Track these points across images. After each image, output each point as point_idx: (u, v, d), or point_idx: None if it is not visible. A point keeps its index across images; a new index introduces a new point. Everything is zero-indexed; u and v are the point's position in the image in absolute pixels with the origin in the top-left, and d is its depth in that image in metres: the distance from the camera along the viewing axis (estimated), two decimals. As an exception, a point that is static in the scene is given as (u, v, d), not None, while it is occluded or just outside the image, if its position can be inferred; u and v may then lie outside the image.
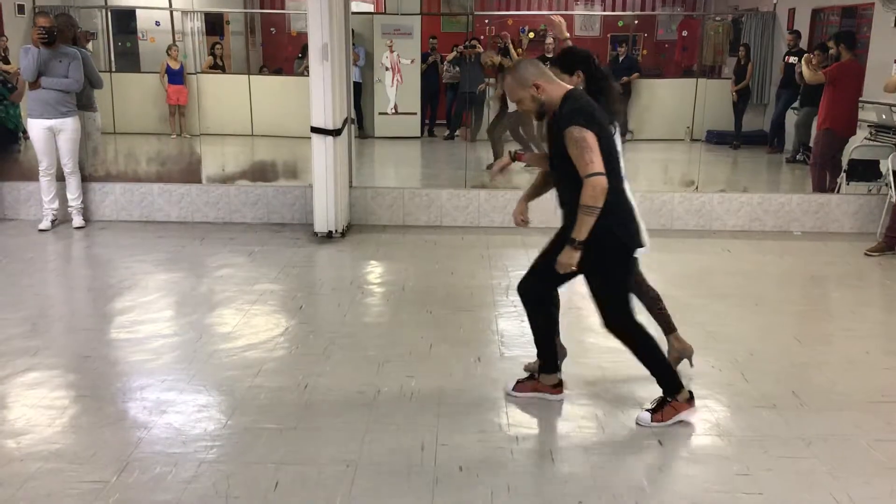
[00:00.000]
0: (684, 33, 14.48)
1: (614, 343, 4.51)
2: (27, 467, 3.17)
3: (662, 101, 12.38)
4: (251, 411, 3.68)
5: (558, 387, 3.81)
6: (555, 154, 3.43)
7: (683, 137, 11.39)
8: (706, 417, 3.68)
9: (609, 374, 4.12)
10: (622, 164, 3.52)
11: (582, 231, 3.27)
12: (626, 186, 3.54)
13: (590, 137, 3.23)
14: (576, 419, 3.65)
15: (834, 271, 6.28)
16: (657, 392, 3.65)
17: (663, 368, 3.59)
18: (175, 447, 3.35)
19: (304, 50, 12.54)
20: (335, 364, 4.24)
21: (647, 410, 3.60)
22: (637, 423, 3.58)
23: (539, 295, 3.72)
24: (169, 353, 4.36)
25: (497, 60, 10.10)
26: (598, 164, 3.22)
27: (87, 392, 3.90)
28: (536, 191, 3.80)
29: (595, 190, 3.21)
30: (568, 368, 4.16)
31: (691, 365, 4.13)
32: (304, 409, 3.72)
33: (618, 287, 3.52)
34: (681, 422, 3.56)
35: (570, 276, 3.49)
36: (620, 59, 12.48)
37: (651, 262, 6.36)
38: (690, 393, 3.60)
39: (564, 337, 4.71)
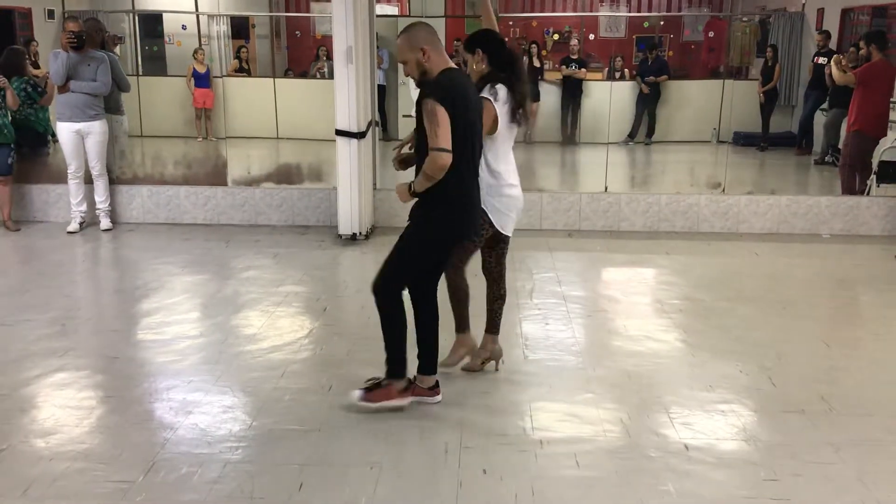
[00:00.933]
0: (711, 34, 14.35)
1: (639, 347, 4.51)
2: (55, 467, 3.21)
3: (689, 102, 12.28)
4: (276, 413, 3.70)
5: (435, 388, 3.79)
6: (417, 123, 3.47)
7: (710, 139, 11.29)
8: (733, 422, 3.64)
9: (634, 378, 4.08)
10: (489, 150, 3.72)
11: (419, 185, 3.43)
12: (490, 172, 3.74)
13: (440, 113, 3.27)
14: (600, 423, 3.62)
15: (863, 274, 6.19)
16: (687, 393, 3.61)
17: (395, 352, 3.64)
18: (201, 448, 3.37)
19: (319, 52, 12.63)
20: (359, 366, 4.24)
21: (362, 389, 3.69)
22: (351, 400, 3.66)
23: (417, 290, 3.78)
24: (195, 354, 4.39)
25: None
26: (443, 139, 3.28)
27: (114, 393, 3.93)
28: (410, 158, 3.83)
29: (435, 164, 3.30)
30: (593, 372, 4.14)
31: (496, 368, 4.15)
32: (328, 410, 3.73)
33: (407, 262, 3.62)
34: (394, 408, 3.63)
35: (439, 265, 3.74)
36: (650, 61, 12.42)
37: (677, 265, 6.33)
38: (409, 382, 3.69)
39: (592, 339, 4.70)
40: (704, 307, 5.25)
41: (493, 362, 4.15)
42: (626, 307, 5.26)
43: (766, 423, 3.66)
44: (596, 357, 4.35)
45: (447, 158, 3.29)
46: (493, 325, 4.12)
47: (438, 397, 3.75)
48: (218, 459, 3.28)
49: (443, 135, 3.28)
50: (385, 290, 3.62)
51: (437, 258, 3.68)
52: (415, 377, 3.76)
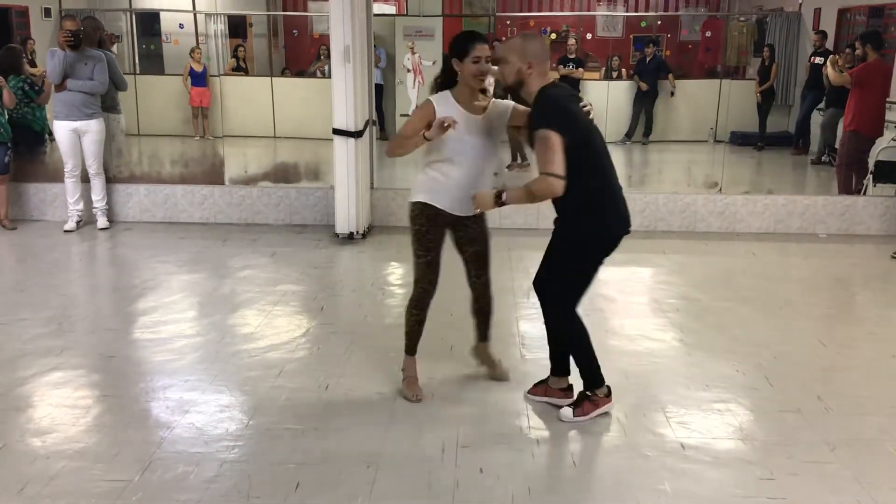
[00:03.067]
0: (708, 34, 14.36)
1: (636, 346, 4.52)
2: (52, 466, 3.20)
3: (686, 102, 12.30)
4: (273, 412, 3.70)
5: (568, 391, 3.77)
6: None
7: (707, 138, 11.31)
8: (729, 421, 3.64)
9: (630, 377, 4.09)
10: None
11: (514, 197, 3.41)
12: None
13: (553, 138, 3.25)
14: (597, 422, 3.63)
15: (860, 274, 6.21)
16: (684, 392, 3.62)
17: (588, 362, 3.62)
18: (197, 447, 3.37)
19: (320, 52, 12.63)
20: (356, 365, 4.25)
21: (569, 406, 3.63)
22: (559, 420, 3.61)
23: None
24: (191, 353, 4.39)
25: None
26: (557, 165, 3.25)
27: (110, 392, 3.93)
28: None
29: (546, 188, 3.30)
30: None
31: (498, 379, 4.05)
32: (325, 409, 3.73)
33: (571, 275, 3.59)
34: (603, 414, 3.63)
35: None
36: (647, 59, 12.43)
37: (674, 265, 6.34)
38: (609, 388, 3.65)
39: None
40: (701, 306, 5.26)
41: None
42: (623, 306, 5.27)
43: (763, 422, 3.66)
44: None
45: (559, 187, 3.27)
46: (482, 334, 4.14)
47: (570, 400, 3.70)
48: (214, 458, 3.28)
49: (557, 161, 3.25)
50: (566, 315, 3.60)
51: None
52: (549, 379, 3.82)
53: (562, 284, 3.59)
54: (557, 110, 3.34)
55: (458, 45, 3.54)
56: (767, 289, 5.66)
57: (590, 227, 3.47)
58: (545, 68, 3.42)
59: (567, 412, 3.60)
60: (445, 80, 3.67)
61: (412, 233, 3.78)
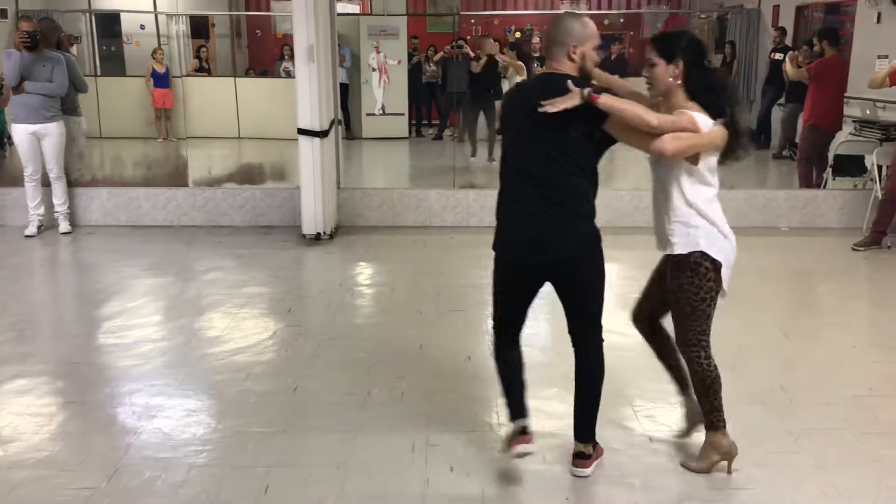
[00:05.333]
0: (670, 31, 14.51)
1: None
2: (15, 475, 3.15)
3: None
4: (241, 415, 3.67)
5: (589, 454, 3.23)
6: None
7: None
8: (696, 414, 3.68)
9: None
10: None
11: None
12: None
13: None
14: (566, 417, 3.63)
15: (821, 266, 6.32)
16: (650, 386, 3.64)
17: (504, 395, 3.26)
18: (164, 452, 3.34)
19: (283, 51, 12.55)
20: (325, 366, 4.23)
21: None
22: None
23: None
24: (157, 357, 4.34)
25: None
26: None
27: (75, 398, 3.87)
28: None
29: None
30: (557, 366, 4.17)
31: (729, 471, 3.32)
32: (293, 411, 3.72)
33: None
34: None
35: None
36: (612, 57, 12.54)
37: (639, 260, 6.37)
38: (523, 428, 3.17)
39: (556, 334, 4.73)
40: (667, 301, 5.31)
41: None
42: (590, 302, 5.30)
43: (728, 413, 3.68)
44: (561, 352, 4.35)
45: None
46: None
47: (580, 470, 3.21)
48: (182, 463, 3.25)
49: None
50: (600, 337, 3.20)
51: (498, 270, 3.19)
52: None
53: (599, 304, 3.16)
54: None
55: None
56: (731, 282, 5.72)
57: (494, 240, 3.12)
58: (552, 51, 3.00)
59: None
60: None
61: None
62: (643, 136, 2.89)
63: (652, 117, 2.84)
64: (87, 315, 5.13)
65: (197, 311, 5.13)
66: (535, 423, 3.57)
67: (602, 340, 3.18)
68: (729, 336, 4.64)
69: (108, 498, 3.00)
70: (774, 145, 10.73)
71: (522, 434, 3.14)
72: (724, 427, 3.18)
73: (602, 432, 3.50)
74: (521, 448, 3.11)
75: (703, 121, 2.94)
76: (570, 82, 2.84)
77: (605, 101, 2.80)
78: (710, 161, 3.07)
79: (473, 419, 3.63)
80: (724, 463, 3.20)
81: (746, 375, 4.10)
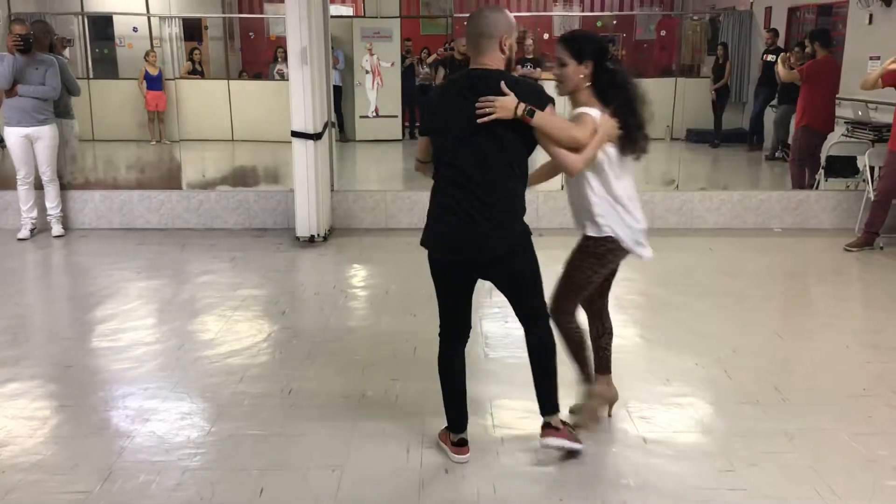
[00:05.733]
0: (662, 33, 14.57)
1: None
2: (8, 479, 3.14)
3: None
4: (235, 418, 3.66)
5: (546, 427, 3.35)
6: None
7: (663, 136, 11.45)
8: (690, 414, 3.70)
9: (593, 374, 4.12)
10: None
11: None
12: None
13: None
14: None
15: (814, 267, 6.34)
16: (645, 387, 3.65)
17: (445, 403, 3.33)
18: (158, 455, 3.33)
19: (277, 54, 12.55)
20: (319, 368, 4.22)
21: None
22: None
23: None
24: (151, 360, 4.33)
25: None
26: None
27: (68, 402, 3.86)
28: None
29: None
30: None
31: (609, 414, 3.68)
32: (288, 414, 3.71)
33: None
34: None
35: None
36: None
37: (633, 261, 6.39)
38: (462, 441, 3.30)
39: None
40: (661, 302, 5.33)
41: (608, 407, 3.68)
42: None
43: (723, 414, 3.73)
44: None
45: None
46: (605, 365, 3.66)
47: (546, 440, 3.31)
48: (176, 466, 3.24)
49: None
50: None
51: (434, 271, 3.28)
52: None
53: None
54: (432, 94, 3.11)
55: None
56: (725, 283, 5.75)
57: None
58: (478, 47, 2.98)
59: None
60: None
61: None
62: (558, 149, 3.02)
63: (578, 134, 3.02)
64: (81, 318, 5.11)
65: (191, 314, 5.11)
66: (527, 424, 3.58)
67: (548, 316, 3.29)
68: (723, 337, 4.66)
69: (102, 501, 2.99)
70: (767, 147, 10.77)
71: (462, 445, 3.29)
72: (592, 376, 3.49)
73: (597, 434, 3.52)
74: (461, 457, 3.27)
75: (597, 116, 3.12)
76: (503, 85, 2.91)
77: (538, 121, 2.92)
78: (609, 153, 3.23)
79: (468, 421, 3.62)
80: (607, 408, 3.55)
81: (740, 376, 4.11)
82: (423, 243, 3.18)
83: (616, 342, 4.58)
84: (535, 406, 3.70)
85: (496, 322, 4.86)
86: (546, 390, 3.28)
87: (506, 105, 2.88)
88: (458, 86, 3.02)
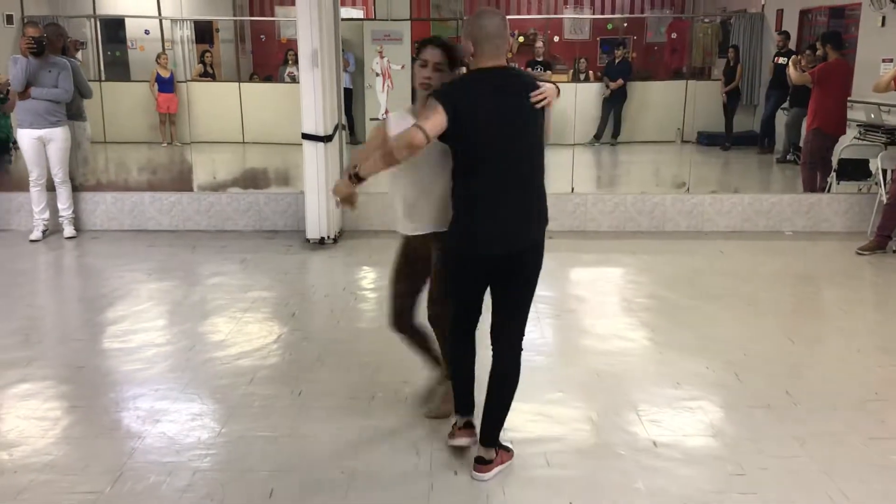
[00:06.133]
0: (673, 35, 14.52)
1: (608, 346, 4.55)
2: (20, 479, 3.15)
3: (653, 103, 12.42)
4: (245, 419, 3.67)
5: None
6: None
7: (674, 139, 11.43)
8: (700, 418, 3.68)
9: (603, 377, 4.12)
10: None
11: (369, 166, 3.06)
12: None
13: (438, 107, 2.91)
14: (570, 422, 3.65)
15: (825, 270, 6.31)
16: (655, 391, 3.65)
17: (456, 386, 3.40)
18: (169, 456, 3.34)
19: (287, 56, 12.59)
20: (329, 370, 4.23)
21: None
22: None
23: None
24: (162, 362, 4.34)
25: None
26: (428, 121, 2.88)
27: (79, 403, 3.88)
28: None
29: (403, 135, 2.88)
30: (561, 370, 4.17)
31: None
32: (298, 416, 3.71)
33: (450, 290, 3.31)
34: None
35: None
36: (617, 62, 12.56)
37: (643, 264, 6.40)
38: (466, 422, 3.37)
39: (561, 339, 4.73)
40: (671, 305, 5.31)
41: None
42: (594, 306, 5.31)
43: (733, 418, 3.71)
44: (565, 356, 4.37)
45: (419, 139, 2.82)
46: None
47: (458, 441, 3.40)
48: (187, 468, 3.25)
49: (431, 117, 2.89)
50: (449, 333, 3.39)
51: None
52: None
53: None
54: (450, 90, 3.04)
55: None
56: (736, 286, 5.73)
57: (450, 234, 3.14)
58: (492, 46, 2.99)
59: None
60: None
61: None
62: None
63: None
64: (92, 319, 5.14)
65: (201, 316, 5.13)
66: (539, 427, 3.58)
67: (521, 348, 3.22)
68: (733, 340, 4.64)
69: (113, 502, 3.00)
70: (778, 149, 10.72)
71: (468, 427, 3.33)
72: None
73: (607, 437, 3.51)
74: (464, 441, 3.31)
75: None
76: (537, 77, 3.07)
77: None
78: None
79: (476, 424, 3.62)
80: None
81: (751, 380, 4.09)
82: (455, 242, 3.12)
83: (625, 345, 4.59)
84: (544, 409, 3.71)
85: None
86: (495, 420, 3.22)
87: (552, 93, 3.01)
88: (492, 84, 2.99)
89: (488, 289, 3.19)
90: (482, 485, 3.12)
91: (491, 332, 3.20)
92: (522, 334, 3.21)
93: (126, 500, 3.03)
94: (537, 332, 4.73)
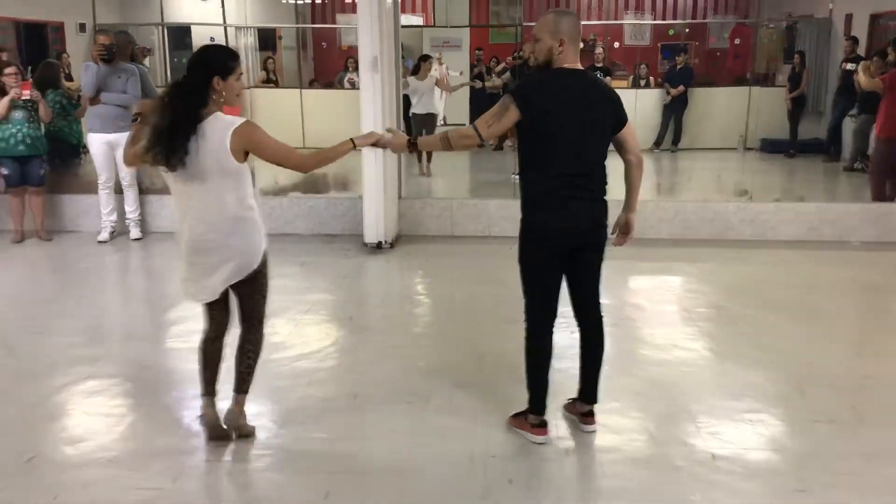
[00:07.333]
0: (737, 41, 14.27)
1: (666, 355, 4.48)
2: (85, 474, 3.25)
3: (715, 109, 12.22)
4: (302, 420, 3.72)
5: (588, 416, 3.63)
6: None
7: (737, 146, 11.22)
8: (760, 431, 3.60)
9: (660, 387, 4.06)
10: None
11: (426, 143, 3.72)
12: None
13: (509, 105, 3.22)
14: (626, 432, 3.61)
15: (894, 282, 6.11)
16: (714, 402, 3.58)
17: (534, 385, 3.51)
18: (228, 455, 3.40)
19: (347, 63, 12.73)
20: (385, 374, 4.26)
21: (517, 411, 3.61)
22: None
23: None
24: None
25: None
26: (484, 121, 3.27)
27: (143, 400, 3.98)
28: None
29: (459, 131, 3.38)
30: (619, 380, 4.12)
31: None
32: (353, 418, 3.75)
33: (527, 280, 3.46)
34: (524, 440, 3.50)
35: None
36: (678, 67, 12.41)
37: (704, 273, 6.29)
38: (544, 422, 3.50)
39: (618, 348, 4.67)
40: (732, 315, 5.21)
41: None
42: (653, 315, 5.24)
43: (796, 432, 3.62)
44: (622, 366, 4.32)
45: (472, 138, 3.30)
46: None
47: (591, 426, 3.59)
48: (245, 467, 3.31)
49: (489, 119, 3.27)
50: (526, 329, 3.50)
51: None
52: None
53: (524, 292, 3.47)
54: (530, 86, 3.32)
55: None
56: (799, 297, 5.59)
57: (526, 222, 3.37)
58: (576, 47, 3.27)
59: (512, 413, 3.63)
60: None
61: None
62: None
63: None
64: (156, 319, 5.27)
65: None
66: (596, 437, 3.55)
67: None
68: (796, 352, 4.53)
69: (174, 499, 3.07)
70: (846, 157, 10.44)
71: (544, 426, 3.50)
72: None
73: (664, 448, 3.46)
74: (546, 437, 3.47)
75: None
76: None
77: None
78: None
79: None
80: None
81: (815, 393, 3.98)
82: (537, 224, 3.33)
83: (684, 355, 4.52)
84: (600, 418, 3.67)
85: (561, 332, 4.80)
86: (595, 380, 3.55)
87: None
88: (573, 83, 3.26)
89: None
90: (537, 493, 3.11)
91: (577, 312, 3.52)
92: (599, 305, 3.53)
93: (186, 497, 3.09)
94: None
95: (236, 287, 3.36)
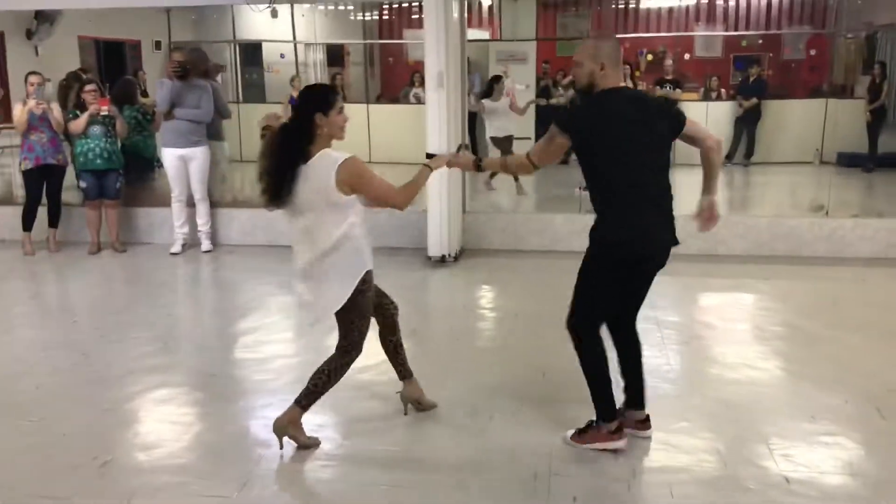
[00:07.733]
0: (813, 52, 13.89)
1: (737, 375, 4.36)
2: (156, 479, 3.32)
3: (789, 122, 11.90)
4: (365, 432, 3.73)
5: (645, 422, 3.64)
6: None
7: (812, 160, 10.89)
8: (838, 455, 3.46)
9: (731, 407, 3.94)
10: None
11: (490, 163, 4.20)
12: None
13: (554, 134, 3.34)
14: (696, 453, 3.51)
15: (982, 302, 5.83)
16: (788, 424, 3.46)
17: (601, 392, 3.49)
18: (293, 465, 3.43)
19: (413, 78, 12.83)
20: (447, 388, 4.24)
21: (577, 429, 3.57)
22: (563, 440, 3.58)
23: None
24: (289, 373, 4.48)
25: None
26: (535, 151, 3.48)
27: (211, 409, 4.05)
28: None
29: (516, 161, 3.64)
30: (689, 399, 4.02)
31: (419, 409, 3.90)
32: (415, 432, 3.74)
33: (589, 289, 3.44)
34: (603, 450, 3.46)
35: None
36: (751, 80, 12.16)
37: (777, 291, 6.11)
38: (619, 425, 3.49)
39: (687, 367, 4.57)
40: (806, 334, 5.04)
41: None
42: (724, 334, 5.10)
43: (875, 456, 3.47)
44: (692, 385, 4.22)
45: (526, 167, 3.51)
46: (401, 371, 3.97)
47: (649, 431, 3.62)
48: (309, 478, 3.33)
49: (539, 148, 3.47)
50: (583, 334, 3.47)
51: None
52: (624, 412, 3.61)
53: (580, 298, 3.46)
54: (575, 114, 3.49)
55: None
56: (878, 317, 5.37)
57: (598, 235, 3.39)
58: (618, 70, 3.34)
59: (568, 433, 3.58)
60: None
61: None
62: None
63: None
64: (225, 330, 5.37)
65: (327, 329, 5.23)
66: (663, 456, 3.47)
67: None
68: (876, 373, 4.35)
69: (239, 507, 3.11)
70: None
71: (620, 431, 3.49)
72: None
73: (734, 470, 3.35)
74: (622, 443, 3.47)
75: None
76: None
77: None
78: None
79: (598, 451, 3.54)
80: None
81: (895, 416, 3.82)
82: (616, 242, 3.33)
83: (756, 375, 4.40)
84: (669, 437, 3.59)
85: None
86: (642, 385, 3.60)
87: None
88: (627, 103, 3.33)
89: None
90: (602, 512, 3.05)
91: (618, 323, 3.55)
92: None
93: (252, 505, 3.13)
94: (663, 359, 4.58)
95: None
